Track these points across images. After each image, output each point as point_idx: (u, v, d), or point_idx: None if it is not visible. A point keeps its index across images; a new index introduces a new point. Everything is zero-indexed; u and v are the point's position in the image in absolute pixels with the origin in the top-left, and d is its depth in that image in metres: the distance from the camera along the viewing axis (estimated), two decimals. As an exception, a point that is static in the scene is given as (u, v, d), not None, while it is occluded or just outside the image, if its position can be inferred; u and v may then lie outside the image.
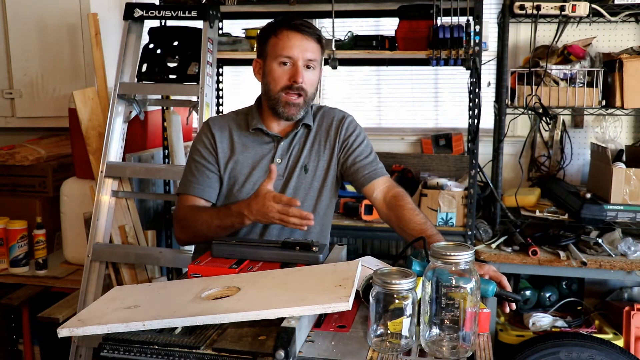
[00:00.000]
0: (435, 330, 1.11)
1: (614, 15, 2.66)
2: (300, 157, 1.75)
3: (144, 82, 2.61)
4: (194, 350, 1.07)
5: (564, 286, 2.74)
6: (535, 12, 2.54)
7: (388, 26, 3.08)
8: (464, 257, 1.08)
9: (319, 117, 1.80)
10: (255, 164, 1.74)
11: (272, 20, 1.73)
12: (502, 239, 2.59)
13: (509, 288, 1.36)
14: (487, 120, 3.02)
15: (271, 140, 1.75)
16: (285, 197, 1.52)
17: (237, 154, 1.74)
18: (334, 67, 2.59)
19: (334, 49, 2.58)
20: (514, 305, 1.35)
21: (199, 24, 2.58)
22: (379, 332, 1.11)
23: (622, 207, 2.48)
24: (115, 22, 3.14)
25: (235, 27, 3.03)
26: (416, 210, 1.65)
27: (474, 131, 2.55)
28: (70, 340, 2.52)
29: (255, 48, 2.74)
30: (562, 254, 2.45)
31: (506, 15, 2.60)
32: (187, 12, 2.53)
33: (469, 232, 2.54)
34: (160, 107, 2.89)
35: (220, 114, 1.89)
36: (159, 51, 2.63)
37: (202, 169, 1.74)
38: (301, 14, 2.94)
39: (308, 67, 1.67)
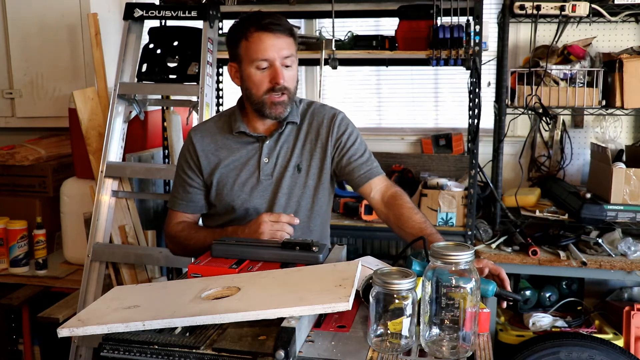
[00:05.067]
0: (435, 330, 1.11)
1: (614, 15, 2.66)
2: (291, 156, 1.74)
3: (144, 82, 2.61)
4: (194, 350, 1.07)
5: (564, 286, 2.74)
6: (535, 12, 2.54)
7: (388, 26, 3.08)
8: (464, 257, 1.08)
9: (309, 115, 1.78)
10: (242, 165, 1.73)
11: (238, 19, 1.68)
12: (502, 239, 2.59)
13: (507, 282, 1.36)
14: (487, 120, 3.02)
15: (255, 141, 1.74)
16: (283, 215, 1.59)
17: (224, 159, 1.74)
18: (334, 67, 2.59)
19: (334, 49, 2.58)
20: (509, 303, 1.35)
21: (199, 24, 2.58)
22: (379, 332, 1.11)
23: (622, 207, 2.48)
24: (115, 22, 3.14)
25: (235, 27, 3.03)
26: (415, 209, 1.65)
27: (474, 131, 2.55)
28: (70, 340, 2.52)
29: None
30: (562, 254, 2.45)
31: (506, 15, 2.60)
32: (187, 12, 2.53)
33: (469, 232, 2.54)
34: (160, 107, 2.89)
35: (203, 121, 1.88)
36: (159, 51, 2.63)
37: (184, 184, 1.79)
38: (301, 14, 2.95)
39: (286, 64, 1.64)
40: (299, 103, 1.80)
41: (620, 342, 2.44)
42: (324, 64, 2.57)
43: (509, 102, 2.63)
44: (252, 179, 1.72)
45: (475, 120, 2.54)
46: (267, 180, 1.73)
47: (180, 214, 1.81)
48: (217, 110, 3.19)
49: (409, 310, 1.09)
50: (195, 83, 2.51)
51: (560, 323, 2.57)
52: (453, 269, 1.09)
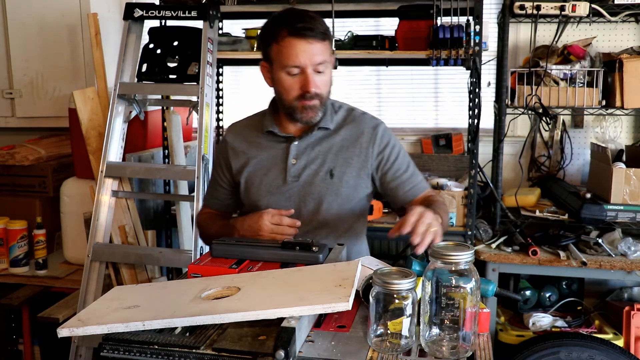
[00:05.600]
0: (435, 330, 1.11)
1: (614, 15, 2.66)
2: (325, 160, 1.68)
3: (144, 82, 2.61)
4: (194, 350, 1.07)
5: (564, 286, 2.74)
6: (535, 12, 2.54)
7: (388, 26, 3.08)
8: (464, 257, 1.08)
9: (349, 122, 1.73)
10: (270, 165, 1.71)
11: (272, 18, 1.63)
12: (502, 239, 2.59)
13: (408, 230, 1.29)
14: (487, 120, 3.02)
15: (284, 141, 1.71)
16: (284, 216, 1.60)
17: (253, 157, 1.73)
18: (334, 67, 2.58)
19: (334, 49, 2.57)
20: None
21: (199, 24, 2.58)
22: (379, 332, 1.11)
23: (622, 207, 2.48)
24: (115, 22, 3.14)
25: (235, 27, 3.03)
26: (440, 200, 1.65)
27: (474, 131, 2.55)
28: (70, 340, 2.52)
29: (255, 48, 2.74)
30: (562, 254, 2.45)
31: (506, 15, 2.60)
32: (187, 12, 2.53)
33: (469, 232, 2.54)
34: (160, 107, 2.89)
35: (240, 119, 1.87)
36: (159, 51, 2.63)
37: (213, 181, 1.86)
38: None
39: (318, 70, 1.60)
40: (338, 109, 1.76)
41: (620, 342, 2.44)
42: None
43: (509, 102, 2.63)
44: (278, 180, 1.70)
45: (475, 120, 2.54)
46: (294, 182, 1.69)
47: (208, 208, 1.89)
48: (218, 110, 3.19)
49: (409, 310, 1.09)
50: (195, 83, 2.51)
51: (560, 323, 2.57)
52: (453, 269, 1.09)
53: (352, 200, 1.71)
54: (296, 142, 1.70)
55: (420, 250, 1.27)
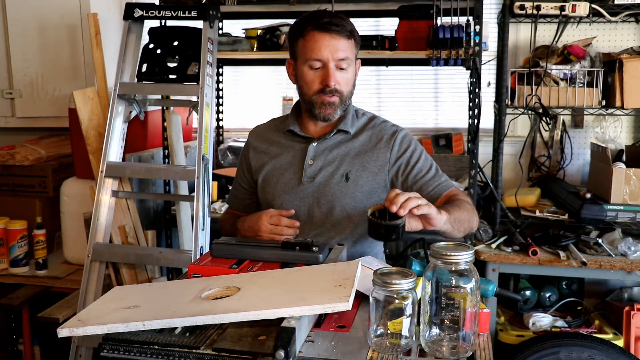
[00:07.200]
0: (435, 330, 1.11)
1: (614, 15, 2.67)
2: (341, 164, 1.69)
3: (144, 82, 2.61)
4: (194, 350, 1.07)
5: (564, 286, 2.74)
6: (535, 12, 2.54)
7: (388, 26, 3.08)
8: (464, 257, 1.08)
9: (369, 128, 1.73)
10: (288, 165, 1.73)
11: (301, 17, 1.67)
12: (502, 239, 2.59)
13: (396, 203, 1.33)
14: (487, 120, 3.02)
15: (304, 141, 1.73)
16: (284, 219, 1.61)
17: (272, 156, 1.75)
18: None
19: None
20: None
21: (199, 24, 2.58)
22: (379, 332, 1.11)
23: (622, 207, 2.48)
24: (115, 22, 3.14)
25: (235, 27, 3.03)
26: (464, 203, 1.57)
27: (474, 131, 2.56)
28: (70, 340, 2.52)
29: (255, 48, 2.75)
30: (562, 254, 2.45)
31: (506, 15, 2.60)
32: (187, 12, 2.53)
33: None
34: (160, 107, 2.89)
35: (266, 121, 1.90)
36: (159, 51, 2.63)
37: (235, 182, 1.89)
38: (301, 14, 2.94)
39: (340, 66, 1.61)
40: (361, 116, 1.76)
41: (620, 342, 2.44)
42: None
43: (509, 102, 2.63)
44: (294, 180, 1.70)
45: (475, 120, 2.54)
46: (309, 183, 1.69)
47: (230, 208, 1.94)
48: (218, 110, 3.19)
49: (409, 310, 1.09)
50: (195, 83, 2.51)
51: (560, 323, 2.57)
52: (453, 269, 1.09)
53: (367, 205, 1.68)
54: (315, 144, 1.70)
55: (402, 213, 1.31)
